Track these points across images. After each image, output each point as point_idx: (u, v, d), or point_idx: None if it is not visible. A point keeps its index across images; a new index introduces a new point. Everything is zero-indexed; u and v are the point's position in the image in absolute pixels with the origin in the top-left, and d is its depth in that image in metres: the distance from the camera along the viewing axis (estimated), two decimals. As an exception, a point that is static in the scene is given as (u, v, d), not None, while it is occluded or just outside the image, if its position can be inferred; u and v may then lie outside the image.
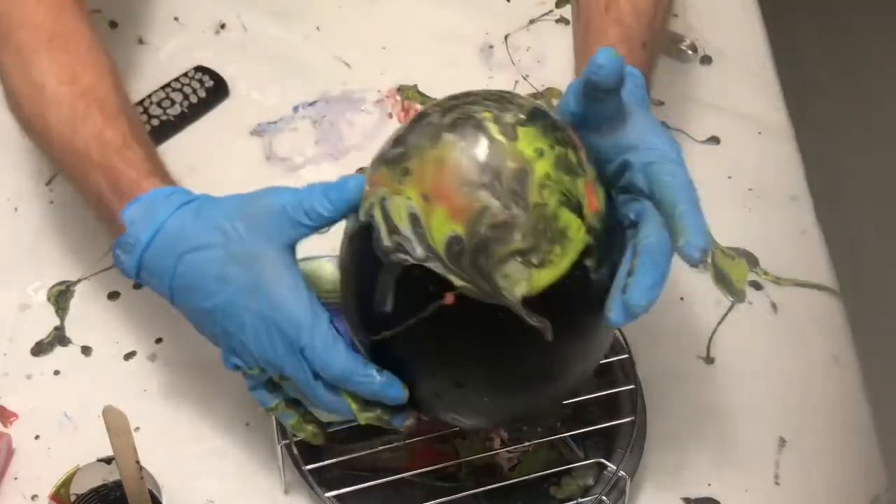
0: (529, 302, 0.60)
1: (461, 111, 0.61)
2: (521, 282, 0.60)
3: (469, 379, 0.65)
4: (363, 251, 0.63)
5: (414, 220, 0.60)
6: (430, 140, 0.61)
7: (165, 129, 0.97)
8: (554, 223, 0.60)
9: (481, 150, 0.60)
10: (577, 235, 0.61)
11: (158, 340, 0.85)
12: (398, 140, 0.63)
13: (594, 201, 0.62)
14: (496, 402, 0.67)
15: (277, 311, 0.64)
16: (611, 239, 0.63)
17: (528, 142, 0.60)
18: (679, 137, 1.00)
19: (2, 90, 0.80)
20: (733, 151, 1.00)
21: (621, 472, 0.76)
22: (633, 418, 0.78)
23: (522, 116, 0.61)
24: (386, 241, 0.61)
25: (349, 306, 0.67)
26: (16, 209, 0.93)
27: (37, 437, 0.80)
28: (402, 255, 0.61)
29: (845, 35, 1.83)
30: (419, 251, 0.60)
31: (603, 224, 0.62)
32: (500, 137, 0.60)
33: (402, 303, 0.62)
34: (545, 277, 0.60)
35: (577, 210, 0.61)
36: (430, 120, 0.62)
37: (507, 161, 0.59)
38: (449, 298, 0.60)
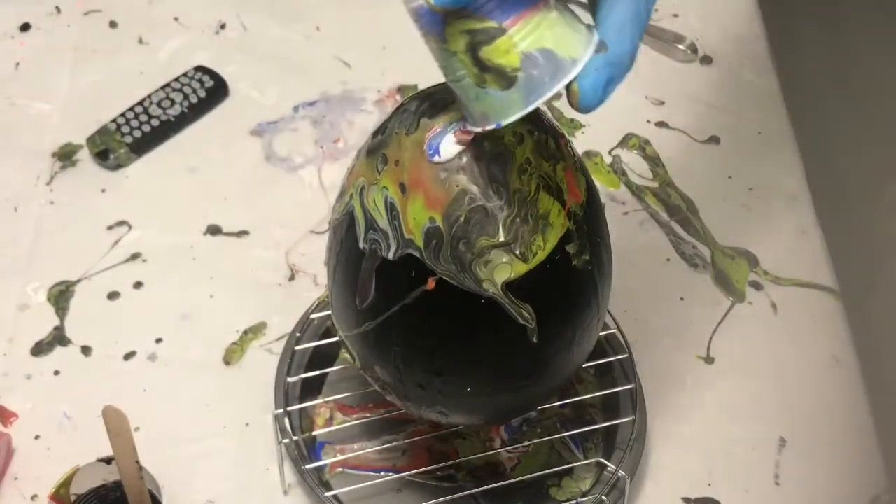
0: (509, 287, 0.60)
1: (439, 97, 0.61)
2: (501, 270, 0.59)
3: (453, 367, 0.64)
4: (346, 242, 0.63)
5: (391, 209, 0.60)
6: (407, 126, 0.61)
7: (165, 129, 0.97)
8: (534, 208, 0.59)
9: None
10: (558, 220, 0.60)
11: (158, 340, 0.85)
12: (378, 130, 0.63)
13: (575, 188, 0.62)
14: (478, 393, 0.66)
15: None
16: (593, 228, 0.63)
17: (508, 126, 0.60)
18: (679, 137, 1.01)
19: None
20: (733, 151, 1.00)
21: (621, 472, 0.76)
22: (633, 418, 0.78)
23: None
24: (363, 237, 0.62)
25: (335, 298, 0.67)
26: (16, 209, 0.93)
27: (37, 437, 0.80)
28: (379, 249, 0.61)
29: (845, 35, 1.83)
30: (394, 247, 0.60)
31: (584, 211, 0.62)
32: None
33: (385, 291, 0.62)
34: (525, 264, 0.60)
35: (558, 195, 0.60)
36: (409, 107, 0.62)
37: (487, 145, 0.59)
38: (431, 284, 0.60)
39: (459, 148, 0.59)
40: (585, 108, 0.54)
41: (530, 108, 0.53)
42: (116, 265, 0.89)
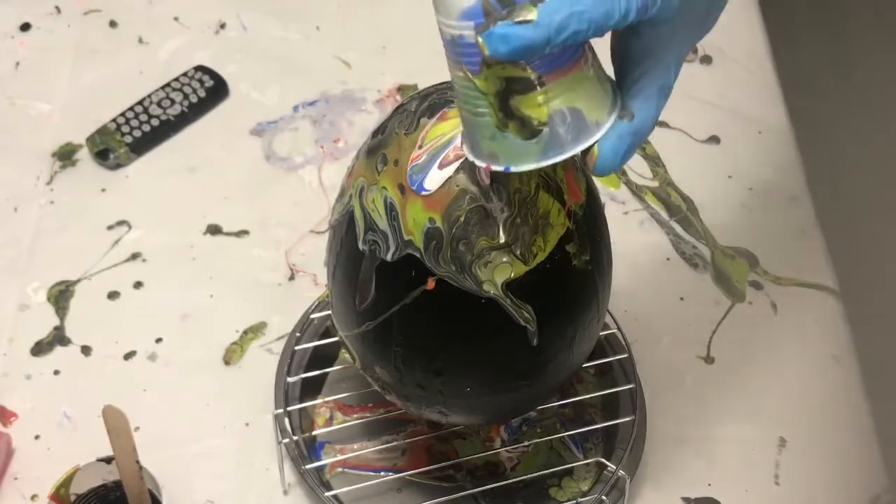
0: (509, 287, 0.60)
1: (438, 96, 0.61)
2: (501, 270, 0.59)
3: (453, 367, 0.64)
4: (346, 242, 0.63)
5: (391, 210, 0.60)
6: (406, 126, 0.61)
7: (165, 129, 0.97)
8: (534, 208, 0.59)
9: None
10: (558, 220, 0.60)
11: (158, 340, 0.85)
12: (377, 130, 0.63)
13: (575, 187, 0.62)
14: (478, 393, 0.66)
15: None
16: (593, 228, 0.63)
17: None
18: (679, 137, 1.01)
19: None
20: (733, 151, 1.00)
21: (621, 472, 0.76)
22: (633, 418, 0.78)
23: None
24: (362, 238, 0.61)
25: (335, 298, 0.67)
26: (16, 209, 0.93)
27: (37, 437, 0.80)
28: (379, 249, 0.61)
29: (845, 35, 1.83)
30: (393, 248, 0.60)
31: (584, 211, 0.62)
32: None
33: (385, 291, 0.62)
34: (525, 265, 0.60)
35: (558, 195, 0.60)
36: (408, 107, 0.62)
37: None
38: (431, 284, 0.60)
39: (447, 175, 0.58)
40: (600, 173, 0.52)
41: (544, 165, 0.51)
42: (116, 265, 0.89)
